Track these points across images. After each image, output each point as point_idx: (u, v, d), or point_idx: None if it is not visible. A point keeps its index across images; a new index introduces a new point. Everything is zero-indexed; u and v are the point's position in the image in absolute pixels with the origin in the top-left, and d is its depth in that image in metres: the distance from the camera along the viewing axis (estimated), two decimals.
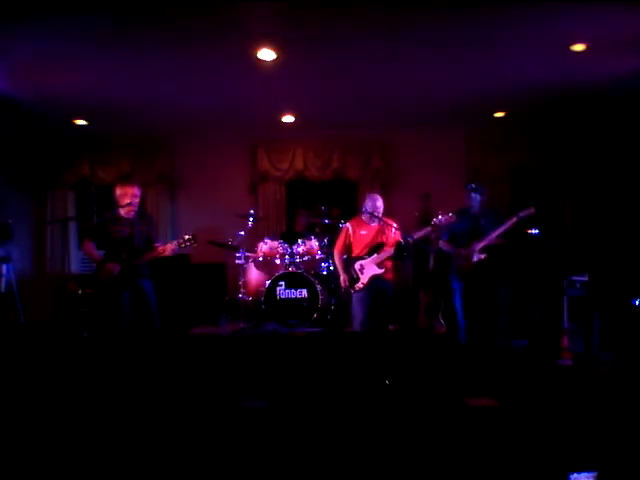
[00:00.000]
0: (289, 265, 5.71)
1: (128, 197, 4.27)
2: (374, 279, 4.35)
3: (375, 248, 4.38)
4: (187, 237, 4.27)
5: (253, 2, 3.61)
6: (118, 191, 4.31)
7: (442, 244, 4.56)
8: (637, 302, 4.17)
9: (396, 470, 2.41)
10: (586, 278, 4.74)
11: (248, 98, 5.65)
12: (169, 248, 4.23)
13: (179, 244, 4.25)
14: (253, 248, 6.06)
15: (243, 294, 5.91)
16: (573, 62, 4.65)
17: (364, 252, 4.42)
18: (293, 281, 5.56)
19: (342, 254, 4.56)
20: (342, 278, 4.50)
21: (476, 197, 4.44)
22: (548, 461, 2.41)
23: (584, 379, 3.91)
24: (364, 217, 4.49)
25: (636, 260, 4.97)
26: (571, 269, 5.06)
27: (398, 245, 4.21)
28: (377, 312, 4.41)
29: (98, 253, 4.29)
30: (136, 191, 4.32)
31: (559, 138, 6.80)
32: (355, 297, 4.46)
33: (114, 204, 4.35)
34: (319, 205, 6.54)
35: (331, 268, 5.71)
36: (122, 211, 4.30)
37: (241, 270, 5.97)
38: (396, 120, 6.59)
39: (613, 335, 4.40)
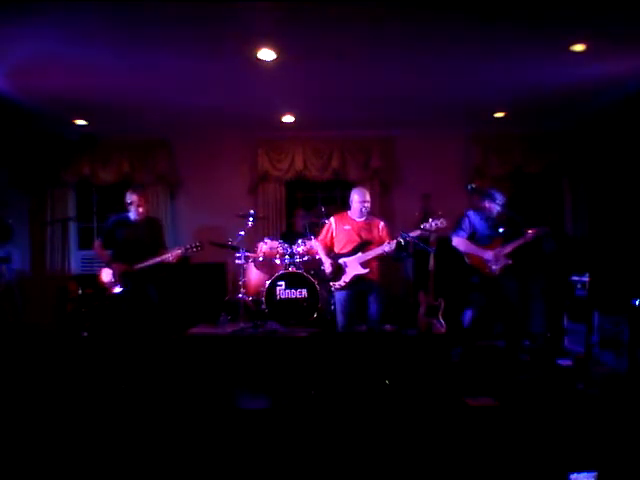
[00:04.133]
0: (289, 265, 5.71)
1: (137, 202, 4.46)
2: (357, 279, 4.22)
3: (360, 246, 4.24)
4: (194, 244, 4.41)
5: (253, 2, 3.61)
6: (128, 196, 4.49)
7: (460, 243, 4.29)
8: (637, 302, 4.17)
9: (396, 470, 2.41)
10: (586, 278, 4.75)
11: (248, 98, 5.65)
12: (174, 254, 4.31)
13: (186, 250, 4.38)
14: (253, 248, 6.06)
15: (243, 294, 5.90)
16: (573, 62, 4.65)
17: (348, 249, 4.28)
18: (293, 281, 5.55)
19: (325, 246, 4.43)
20: (327, 264, 4.32)
21: (495, 206, 4.34)
22: (548, 461, 2.40)
23: (584, 379, 3.91)
24: (350, 213, 4.39)
25: (636, 260, 4.97)
26: (571, 269, 5.06)
27: (397, 245, 4.15)
28: (366, 313, 4.31)
29: (105, 253, 4.42)
30: (146, 196, 4.65)
31: (559, 138, 6.80)
32: (337, 298, 4.33)
33: (124, 206, 4.51)
34: (319, 205, 6.54)
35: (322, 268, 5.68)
36: (131, 214, 4.42)
37: (241, 270, 5.97)
38: (396, 120, 6.59)
39: (613, 335, 4.40)
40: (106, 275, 4.37)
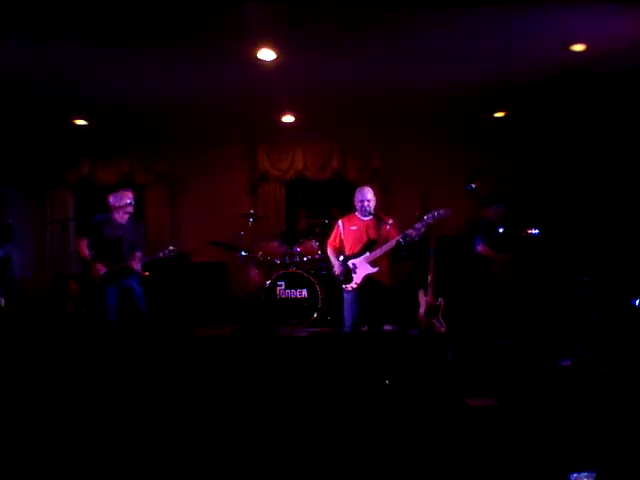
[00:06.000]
0: (289, 265, 5.71)
1: (125, 199, 4.41)
2: (368, 279, 4.17)
3: (368, 246, 4.19)
4: (169, 250, 4.49)
5: (253, 2, 3.62)
6: (112, 197, 4.45)
7: (483, 250, 4.65)
8: (637, 302, 4.17)
9: (396, 470, 2.41)
10: (586, 278, 4.75)
11: (248, 98, 5.65)
12: (137, 263, 4.40)
13: (163, 255, 4.46)
14: (253, 248, 6.06)
15: (243, 294, 5.91)
16: (573, 62, 4.66)
17: (356, 249, 4.24)
18: (293, 281, 5.56)
19: (335, 248, 4.41)
20: (336, 267, 4.31)
21: (499, 209, 4.68)
22: (548, 461, 2.41)
23: (584, 379, 3.91)
24: (357, 213, 4.35)
25: (636, 260, 4.97)
26: (572, 269, 5.06)
27: (397, 245, 4.12)
28: (371, 313, 4.29)
29: (88, 252, 4.42)
30: (130, 195, 4.48)
31: (559, 138, 6.79)
32: (346, 299, 4.30)
33: (108, 207, 4.48)
34: (319, 205, 6.55)
35: (333, 269, 5.69)
36: (116, 215, 4.40)
37: (241, 270, 5.98)
38: (396, 120, 6.58)
39: (613, 335, 4.40)
40: (100, 270, 4.38)
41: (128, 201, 4.42)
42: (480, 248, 4.62)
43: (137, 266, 4.39)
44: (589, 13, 3.82)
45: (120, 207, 4.40)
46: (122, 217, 4.45)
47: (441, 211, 4.06)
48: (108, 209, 4.49)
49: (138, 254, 4.43)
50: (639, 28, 4.00)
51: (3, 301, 5.79)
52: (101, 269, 4.32)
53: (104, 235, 4.39)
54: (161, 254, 4.49)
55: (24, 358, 4.47)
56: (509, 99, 5.79)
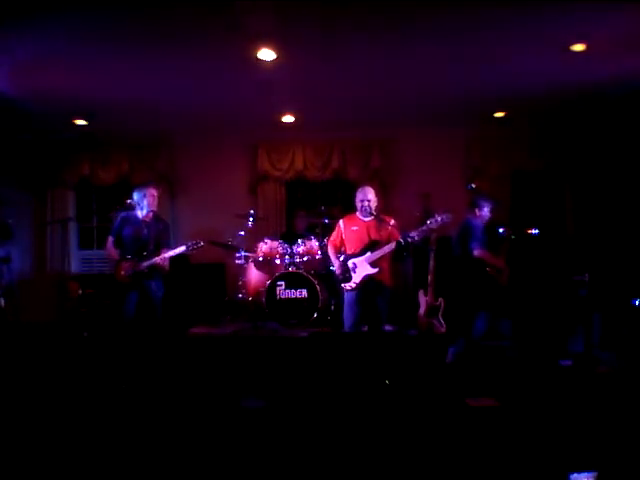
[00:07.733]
0: (289, 265, 5.71)
1: (149, 196, 4.42)
2: (368, 280, 4.18)
3: (369, 246, 4.20)
4: (195, 243, 4.42)
5: (253, 2, 3.62)
6: (136, 194, 4.45)
7: (483, 253, 4.39)
8: (637, 302, 4.17)
9: (396, 470, 2.41)
10: (586, 278, 4.75)
11: (248, 98, 5.65)
12: (167, 255, 4.36)
13: (187, 248, 4.39)
14: (253, 248, 6.06)
15: (243, 294, 5.91)
16: (573, 62, 4.65)
17: (357, 250, 4.24)
18: (293, 281, 5.55)
19: (335, 247, 4.44)
20: (336, 265, 4.35)
21: (486, 214, 4.54)
22: (548, 461, 2.41)
23: (584, 379, 3.91)
24: (358, 213, 4.36)
25: (636, 260, 4.98)
26: (571, 269, 5.07)
27: (398, 245, 4.12)
28: (371, 314, 4.29)
29: (116, 252, 4.40)
30: (154, 191, 4.49)
31: (559, 138, 6.79)
32: (346, 300, 4.31)
33: (124, 206, 4.48)
34: (319, 205, 6.54)
35: (331, 268, 5.70)
36: (139, 212, 4.41)
37: (241, 270, 5.97)
38: (396, 120, 6.58)
39: (613, 335, 4.40)
40: (125, 270, 4.35)
41: (152, 198, 4.45)
42: (477, 252, 4.40)
43: (166, 263, 4.35)
44: (589, 13, 3.82)
45: (144, 204, 4.41)
46: (147, 214, 4.45)
47: (444, 216, 4.05)
48: (120, 208, 4.52)
49: (164, 251, 4.42)
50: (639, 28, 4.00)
51: (3, 301, 5.79)
52: (129, 269, 4.30)
53: (129, 233, 4.39)
54: (184, 247, 4.41)
55: (24, 358, 4.47)
56: (509, 99, 5.79)
